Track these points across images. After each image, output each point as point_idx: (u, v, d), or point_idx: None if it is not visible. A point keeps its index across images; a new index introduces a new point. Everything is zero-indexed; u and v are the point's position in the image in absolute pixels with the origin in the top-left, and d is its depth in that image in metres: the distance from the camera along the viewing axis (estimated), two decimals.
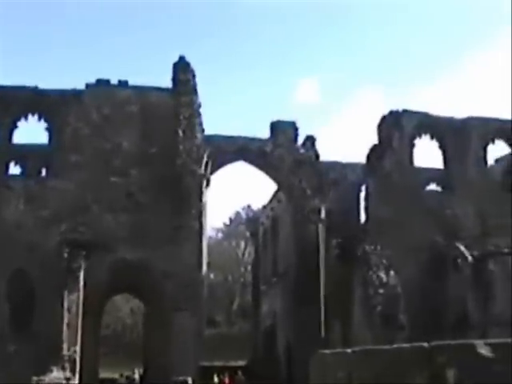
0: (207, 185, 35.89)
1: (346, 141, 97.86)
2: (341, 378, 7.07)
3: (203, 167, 34.53)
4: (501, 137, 39.82)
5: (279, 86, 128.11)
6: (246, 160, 38.15)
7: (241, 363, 48.41)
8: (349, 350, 7.17)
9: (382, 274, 31.56)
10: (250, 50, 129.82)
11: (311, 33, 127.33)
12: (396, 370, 6.33)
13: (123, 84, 34.04)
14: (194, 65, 34.85)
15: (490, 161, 41.19)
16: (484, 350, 6.17)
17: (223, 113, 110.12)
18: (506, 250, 33.00)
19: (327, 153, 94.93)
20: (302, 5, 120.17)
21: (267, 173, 38.65)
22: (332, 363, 7.34)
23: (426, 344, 6.23)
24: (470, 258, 33.06)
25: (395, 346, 6.83)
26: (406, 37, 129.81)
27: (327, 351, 7.80)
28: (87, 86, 33.80)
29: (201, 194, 33.81)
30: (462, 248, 33.36)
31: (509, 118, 39.89)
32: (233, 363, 49.00)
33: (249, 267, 63.46)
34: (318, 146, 38.25)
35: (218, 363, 46.18)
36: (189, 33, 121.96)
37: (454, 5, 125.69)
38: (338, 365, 7.14)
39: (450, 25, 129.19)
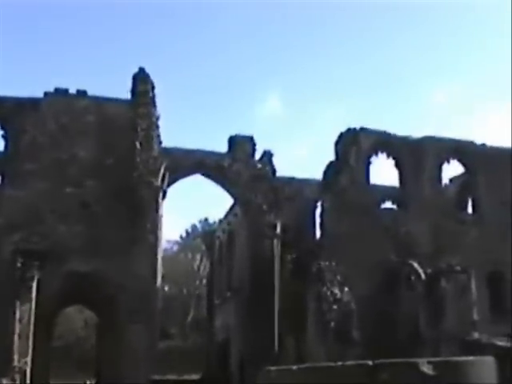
0: (163, 197, 35.76)
1: (307, 156, 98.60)
2: None
3: (160, 179, 34.40)
4: (455, 156, 40.42)
5: (242, 99, 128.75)
6: (203, 173, 38.17)
7: (194, 377, 48.19)
8: (294, 367, 7.18)
9: (336, 290, 31.72)
10: (213, 62, 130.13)
11: (276, 46, 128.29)
12: None
13: (81, 94, 33.83)
14: (154, 76, 34.86)
15: (445, 180, 41.79)
16: (426, 368, 6.27)
17: (183, 126, 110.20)
18: (458, 268, 33.43)
19: (287, 168, 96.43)
20: (268, 19, 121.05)
21: (224, 187, 38.69)
22: (277, 380, 7.35)
23: (370, 362, 6.30)
24: (422, 275, 33.38)
25: (340, 363, 6.87)
26: (371, 55, 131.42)
27: (273, 368, 7.79)
28: (45, 94, 33.54)
29: (157, 206, 33.68)
30: (416, 265, 33.69)
31: (463, 138, 40.56)
32: (186, 377, 48.77)
33: (204, 280, 63.31)
34: (278, 160, 38.49)
35: (171, 377, 45.90)
36: (150, 44, 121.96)
37: (417, 28, 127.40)
38: (282, 382, 7.15)
39: (414, 50, 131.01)
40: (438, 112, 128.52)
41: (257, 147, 38.34)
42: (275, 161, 38.48)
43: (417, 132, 39.95)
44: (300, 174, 41.75)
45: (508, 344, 27.76)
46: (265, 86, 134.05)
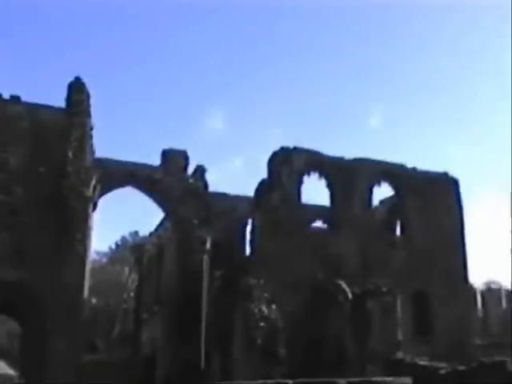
0: (94, 208, 35.41)
1: (246, 173, 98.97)
2: None
3: (91, 190, 34.05)
4: (386, 179, 41.07)
5: (185, 116, 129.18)
6: (134, 186, 37.91)
7: None
8: None
9: (264, 308, 31.77)
10: (155, 76, 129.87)
11: (223, 64, 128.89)
12: None
13: (15, 99, 33.31)
14: (90, 86, 34.56)
15: (375, 202, 42.37)
16: None
17: (122, 138, 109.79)
18: (384, 289, 33.88)
19: (226, 184, 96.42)
20: (212, 39, 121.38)
21: (155, 200, 38.47)
22: None
23: (290, 381, 6.40)
24: (350, 294, 33.71)
25: (261, 381, 6.97)
26: (312, 76, 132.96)
27: None
28: None
29: (87, 216, 33.31)
30: (343, 285, 34.01)
31: (394, 160, 41.26)
32: None
33: (132, 294, 62.71)
34: (218, 177, 38.57)
35: None
36: (90, 53, 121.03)
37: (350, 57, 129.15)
38: None
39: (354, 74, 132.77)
40: (372, 135, 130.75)
41: (190, 162, 38.29)
42: (210, 176, 38.57)
43: (352, 154, 40.25)
44: (238, 191, 41.92)
45: (430, 364, 28.24)
46: (208, 104, 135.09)
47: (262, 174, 38.41)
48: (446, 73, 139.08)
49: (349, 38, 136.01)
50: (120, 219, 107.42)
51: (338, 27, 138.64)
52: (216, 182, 38.52)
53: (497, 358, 26.17)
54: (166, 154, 37.99)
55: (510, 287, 53.79)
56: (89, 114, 34.25)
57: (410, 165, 42.06)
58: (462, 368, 26.15)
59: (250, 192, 39.54)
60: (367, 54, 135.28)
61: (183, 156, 38.22)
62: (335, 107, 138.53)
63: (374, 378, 7.44)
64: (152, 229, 49.31)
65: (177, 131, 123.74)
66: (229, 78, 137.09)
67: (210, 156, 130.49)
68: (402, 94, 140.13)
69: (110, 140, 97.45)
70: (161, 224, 44.93)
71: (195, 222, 36.65)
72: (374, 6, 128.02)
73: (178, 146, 38.61)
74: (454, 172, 43.99)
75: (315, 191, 41.81)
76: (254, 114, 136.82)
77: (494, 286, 56.35)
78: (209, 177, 38.57)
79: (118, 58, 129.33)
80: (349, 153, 40.65)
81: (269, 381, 6.67)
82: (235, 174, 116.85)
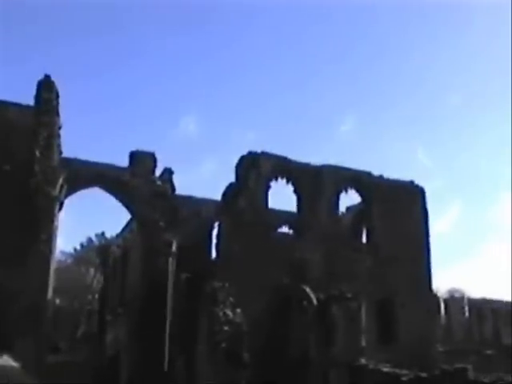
0: (60, 208, 35.17)
1: (218, 177, 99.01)
2: None
3: (58, 189, 33.81)
4: (353, 186, 41.30)
5: (159, 120, 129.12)
6: (101, 186, 37.68)
7: None
8: None
9: (229, 311, 31.77)
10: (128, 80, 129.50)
11: (197, 71, 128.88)
12: None
13: None
14: (60, 85, 34.34)
15: (342, 208, 42.59)
16: None
17: (90, 139, 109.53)
18: (349, 295, 34.03)
19: (196, 188, 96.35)
20: (186, 45, 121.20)
21: (122, 201, 38.27)
22: None
23: None
24: (314, 300, 33.80)
25: None
26: (288, 83, 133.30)
27: None
28: None
29: (53, 216, 33.08)
30: (308, 290, 34.09)
31: (362, 168, 41.51)
32: None
33: (96, 295, 62.38)
34: (188, 180, 38.50)
35: None
36: (59, 51, 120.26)
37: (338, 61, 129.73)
38: None
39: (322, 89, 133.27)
40: (343, 142, 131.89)
41: (161, 164, 38.21)
42: (183, 179, 38.55)
43: (323, 161, 40.32)
44: (210, 195, 41.82)
45: (393, 370, 28.46)
46: (182, 107, 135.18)
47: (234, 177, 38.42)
48: (421, 82, 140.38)
49: (324, 46, 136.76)
50: (86, 220, 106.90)
51: (313, 33, 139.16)
52: (188, 185, 38.44)
53: (458, 365, 26.48)
54: (134, 155, 37.82)
55: (472, 296, 54.42)
56: (57, 113, 34.02)
57: (377, 173, 42.38)
58: (424, 375, 26.43)
59: (219, 196, 39.55)
60: (344, 62, 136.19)
61: (151, 158, 38.08)
62: (309, 114, 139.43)
63: None
64: (118, 230, 49.13)
65: (150, 134, 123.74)
66: (204, 82, 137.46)
67: (182, 159, 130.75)
68: (374, 103, 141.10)
69: (79, 140, 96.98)
70: (127, 226, 44.74)
71: (161, 224, 36.53)
72: (351, 10, 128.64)
73: (151, 148, 38.55)
74: (420, 181, 44.36)
75: (282, 196, 41.94)
76: (229, 118, 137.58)
77: (457, 295, 56.90)
78: (181, 180, 38.67)
79: (90, 58, 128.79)
80: (320, 159, 40.95)
81: None
82: (207, 177, 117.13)
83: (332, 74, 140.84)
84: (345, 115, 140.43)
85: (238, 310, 32.02)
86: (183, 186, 37.81)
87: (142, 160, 37.68)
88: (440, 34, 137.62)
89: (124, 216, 43.27)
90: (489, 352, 47.22)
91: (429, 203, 43.68)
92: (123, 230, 46.51)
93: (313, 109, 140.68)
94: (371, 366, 29.91)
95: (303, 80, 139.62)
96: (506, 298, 53.25)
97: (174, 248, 35.75)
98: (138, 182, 37.17)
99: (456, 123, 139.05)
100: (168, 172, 38.35)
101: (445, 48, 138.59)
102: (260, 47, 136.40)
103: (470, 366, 26.17)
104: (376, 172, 42.36)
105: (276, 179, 38.90)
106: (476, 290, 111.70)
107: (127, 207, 38.85)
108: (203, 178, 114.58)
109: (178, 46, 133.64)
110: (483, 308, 51.19)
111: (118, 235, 49.66)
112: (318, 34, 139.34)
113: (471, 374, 25.23)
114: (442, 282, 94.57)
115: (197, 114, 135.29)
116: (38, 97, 33.54)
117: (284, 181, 39.27)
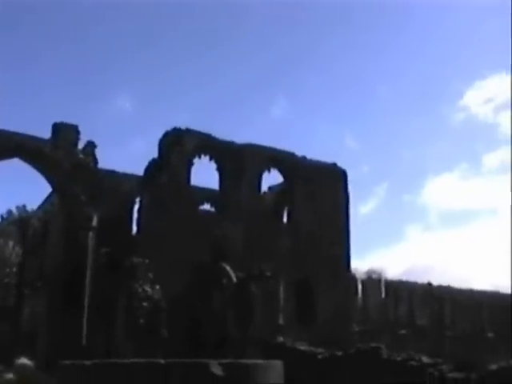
0: None
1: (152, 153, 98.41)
2: None
3: None
4: (275, 166, 41.56)
5: (92, 95, 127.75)
6: (22, 158, 37.05)
7: None
8: (88, 362, 7.27)
9: (148, 288, 31.76)
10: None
11: (131, 47, 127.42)
12: None
13: None
14: None
15: (264, 188, 42.84)
16: (216, 369, 6.54)
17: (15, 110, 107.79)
18: (268, 274, 34.35)
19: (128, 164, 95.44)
20: (121, 22, 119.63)
21: (43, 174, 37.72)
22: (71, 374, 7.40)
23: (162, 360, 6.49)
24: (234, 278, 33.99)
25: (134, 360, 7.03)
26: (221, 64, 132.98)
27: (67, 362, 7.83)
28: None
29: None
30: (228, 268, 34.24)
31: (284, 148, 41.76)
32: None
33: (14, 268, 61.46)
34: (118, 156, 38.03)
35: None
36: None
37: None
38: (75, 376, 7.21)
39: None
40: (274, 124, 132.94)
41: (81, 137, 37.65)
42: (113, 156, 38.13)
43: (253, 141, 40.32)
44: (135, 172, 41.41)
45: (309, 349, 28.88)
46: (117, 85, 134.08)
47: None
48: (350, 68, 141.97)
49: (259, 28, 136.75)
50: (6, 192, 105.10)
51: (248, 16, 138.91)
52: (118, 163, 38.07)
53: (373, 344, 27.06)
54: (56, 127, 37.23)
55: (389, 277, 55.52)
56: None
57: (300, 154, 42.66)
58: (339, 353, 26.91)
59: (137, 170, 39.36)
60: (278, 46, 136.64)
61: (74, 130, 37.55)
62: (242, 94, 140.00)
63: (245, 361, 7.61)
64: (39, 203, 48.45)
65: (84, 110, 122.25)
66: (139, 60, 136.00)
67: (114, 135, 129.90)
68: (306, 86, 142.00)
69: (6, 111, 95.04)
70: (48, 198, 44.14)
71: (83, 198, 36.16)
72: None
73: (83, 124, 37.99)
74: (347, 165, 44.95)
75: (205, 174, 41.99)
76: (163, 96, 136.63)
77: (374, 276, 57.96)
78: (112, 157, 38.22)
79: (16, 21, 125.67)
80: (249, 140, 40.56)
81: (140, 360, 6.72)
82: (137, 155, 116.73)
83: (266, 58, 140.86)
84: (277, 98, 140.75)
85: (157, 287, 32.04)
86: (113, 162, 37.31)
87: (64, 132, 37.11)
88: (373, 27, 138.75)
89: (45, 188, 42.74)
90: (403, 332, 48.32)
91: (355, 187, 44.36)
92: (44, 202, 45.88)
93: (247, 90, 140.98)
94: (288, 344, 30.25)
95: (238, 61, 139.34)
96: (422, 280, 54.64)
97: (94, 222, 35.46)
98: (60, 154, 36.64)
99: (383, 112, 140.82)
100: (91, 145, 37.88)
101: (378, 41, 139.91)
102: (195, 25, 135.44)
103: (383, 345, 26.75)
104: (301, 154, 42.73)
105: (199, 156, 38.91)
106: (395, 272, 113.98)
107: (48, 179, 38.30)
108: (133, 155, 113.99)
109: (117, 17, 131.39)
110: (399, 289, 52.23)
111: (38, 208, 48.97)
112: (255, 16, 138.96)
113: (384, 353, 25.75)
114: (363, 263, 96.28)
115: (132, 92, 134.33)
116: None
117: (207, 158, 39.35)
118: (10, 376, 6.04)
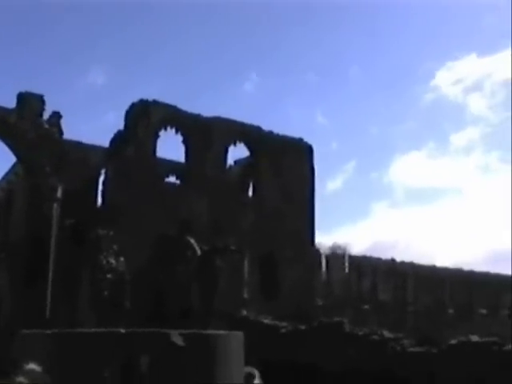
0: None
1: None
2: (42, 360, 7.14)
3: None
4: (242, 140, 41.50)
5: (66, 68, 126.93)
6: None
7: None
8: (48, 331, 7.27)
9: (112, 260, 31.73)
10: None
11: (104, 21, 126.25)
12: (92, 354, 6.55)
13: None
14: None
15: (230, 161, 42.82)
16: (177, 339, 6.58)
17: None
18: (233, 248, 34.45)
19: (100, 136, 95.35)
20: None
21: (7, 144, 37.31)
22: (31, 344, 7.39)
23: (122, 330, 6.52)
24: (198, 251, 34.04)
25: (94, 329, 7.06)
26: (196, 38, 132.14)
27: (28, 331, 7.83)
28: None
29: None
30: (192, 241, 34.27)
31: (251, 122, 41.73)
32: None
33: None
34: (89, 129, 37.74)
35: None
36: None
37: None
38: (35, 346, 7.21)
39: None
40: (246, 99, 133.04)
41: (46, 107, 37.23)
42: (85, 129, 37.85)
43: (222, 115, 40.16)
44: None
45: (273, 322, 29.13)
46: (90, 58, 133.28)
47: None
48: (323, 48, 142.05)
49: (235, 5, 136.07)
50: None
51: None
52: (91, 135, 37.76)
53: (336, 319, 27.39)
54: (21, 97, 36.79)
55: (353, 253, 55.90)
56: None
57: (266, 128, 42.62)
58: (302, 327, 27.18)
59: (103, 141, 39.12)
60: (252, 23, 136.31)
61: (40, 100, 37.13)
62: (215, 69, 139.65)
63: (205, 331, 7.68)
64: (3, 173, 47.97)
65: (58, 81, 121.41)
66: (116, 35, 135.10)
67: (89, 109, 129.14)
68: (279, 64, 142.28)
69: None
70: (12, 169, 43.73)
71: (47, 168, 35.86)
72: None
73: (57, 98, 37.57)
74: (314, 141, 44.93)
75: (171, 146, 41.87)
76: (137, 71, 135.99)
77: (339, 251, 58.24)
78: (86, 130, 38.00)
79: None
80: (221, 114, 40.35)
81: (101, 329, 6.74)
82: (108, 127, 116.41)
83: (242, 36, 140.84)
84: (249, 74, 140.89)
85: (122, 259, 32.02)
86: (86, 135, 37.01)
87: (29, 102, 36.68)
88: (346, 8, 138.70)
89: (9, 158, 42.32)
90: (366, 307, 48.76)
91: (324, 163, 44.50)
92: (8, 173, 45.44)
93: (219, 64, 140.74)
94: (252, 318, 30.47)
95: (213, 35, 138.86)
96: (387, 256, 55.11)
97: (59, 193, 35.22)
98: (25, 124, 36.23)
99: (355, 90, 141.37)
100: (56, 116, 37.50)
101: (351, 21, 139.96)
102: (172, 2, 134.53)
103: (346, 320, 27.08)
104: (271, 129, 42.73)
105: (165, 128, 38.77)
106: (360, 248, 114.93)
107: (12, 150, 37.90)
108: (105, 129, 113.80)
109: None
110: (363, 265, 52.57)
111: (2, 178, 48.47)
112: None
113: (347, 327, 26.08)
114: (329, 238, 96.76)
115: (107, 66, 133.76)
116: None
117: (173, 130, 39.22)
118: (21, 379, 6.07)
